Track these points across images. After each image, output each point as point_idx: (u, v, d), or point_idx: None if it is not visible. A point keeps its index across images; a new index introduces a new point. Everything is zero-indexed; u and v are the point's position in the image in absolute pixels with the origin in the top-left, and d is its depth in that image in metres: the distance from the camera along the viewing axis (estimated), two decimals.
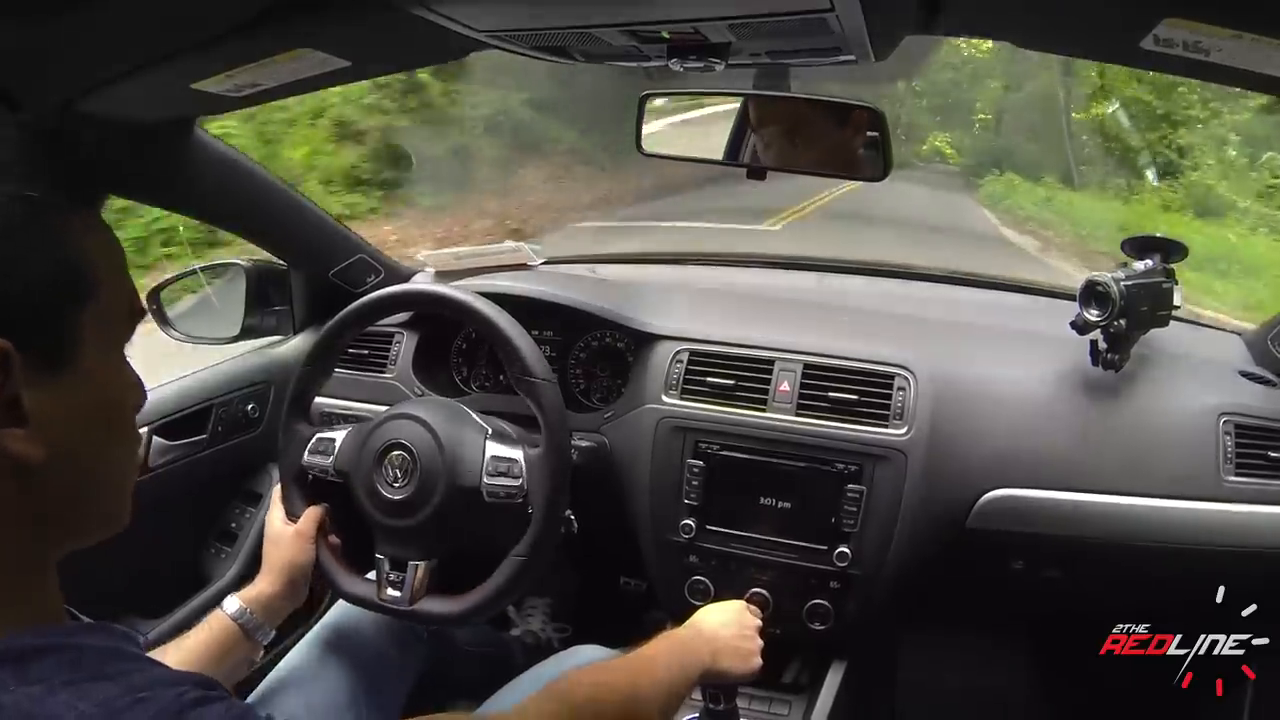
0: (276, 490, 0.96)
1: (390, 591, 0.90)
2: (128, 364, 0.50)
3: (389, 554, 0.91)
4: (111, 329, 0.48)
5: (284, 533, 0.91)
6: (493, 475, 0.88)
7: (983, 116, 14.54)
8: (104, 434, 0.47)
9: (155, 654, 0.74)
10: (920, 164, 13.21)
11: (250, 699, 0.88)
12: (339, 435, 0.95)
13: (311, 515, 0.93)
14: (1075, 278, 1.37)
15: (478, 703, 0.92)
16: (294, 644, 0.99)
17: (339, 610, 1.02)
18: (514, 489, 0.88)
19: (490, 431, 0.92)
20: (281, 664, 0.95)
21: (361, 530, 0.93)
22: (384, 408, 0.97)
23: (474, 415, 0.94)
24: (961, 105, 14.83)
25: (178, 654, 0.79)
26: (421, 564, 0.89)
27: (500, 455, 0.90)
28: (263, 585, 0.87)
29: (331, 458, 0.94)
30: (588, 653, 0.98)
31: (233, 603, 0.84)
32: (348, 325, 0.97)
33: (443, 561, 0.91)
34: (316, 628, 1.00)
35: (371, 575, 0.92)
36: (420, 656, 1.03)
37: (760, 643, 0.90)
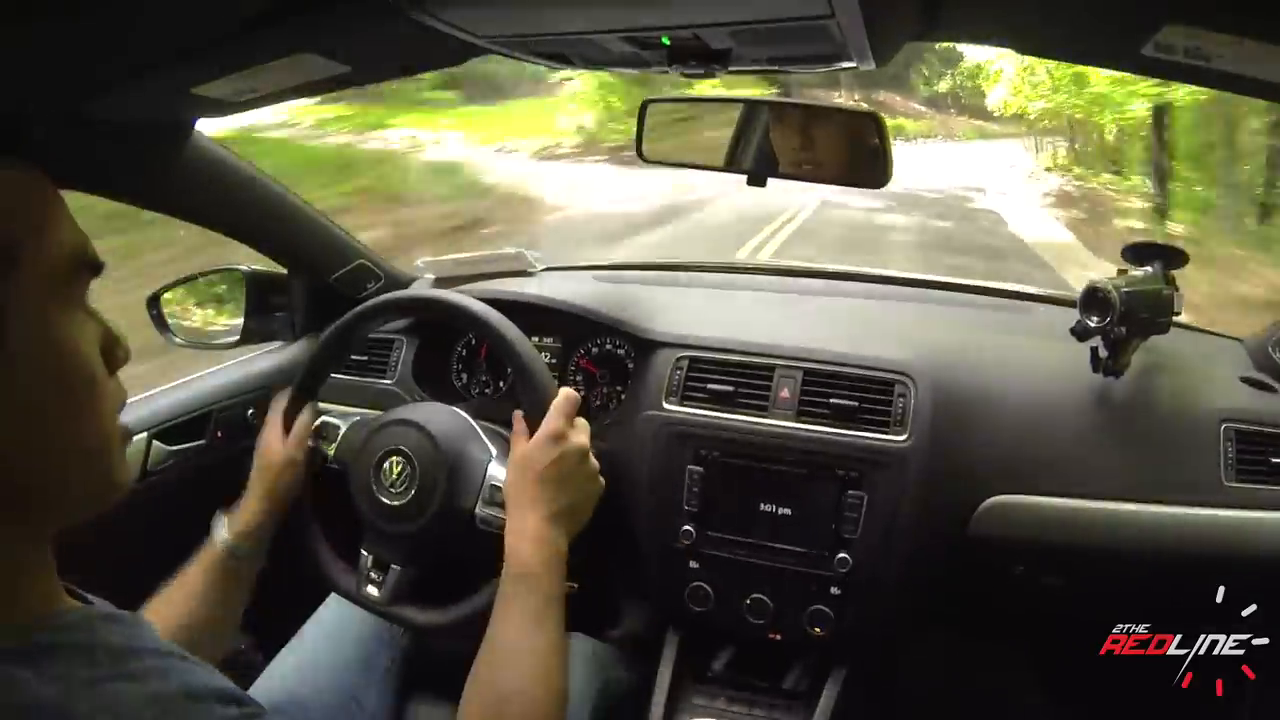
0: (273, 413, 0.95)
1: (370, 589, 0.90)
2: (90, 321, 0.44)
3: (373, 552, 0.90)
4: (49, 294, 0.41)
5: (276, 455, 0.90)
6: (489, 504, 0.86)
7: None
8: (58, 410, 0.41)
9: (160, 596, 0.78)
10: None
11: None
12: (343, 424, 0.96)
13: (305, 422, 0.92)
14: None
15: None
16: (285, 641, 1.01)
17: (325, 612, 1.04)
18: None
19: (495, 454, 0.89)
20: (273, 668, 0.96)
21: (352, 521, 0.92)
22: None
23: (481, 433, 0.91)
24: None
25: (180, 591, 0.80)
26: (404, 569, 0.89)
27: (500, 482, 0.86)
28: (249, 511, 0.87)
29: (333, 444, 0.94)
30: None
31: (221, 534, 0.84)
32: (355, 325, 0.95)
33: (426, 570, 0.90)
34: (303, 631, 1.01)
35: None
36: (401, 655, 1.04)
37: (595, 464, 0.81)
